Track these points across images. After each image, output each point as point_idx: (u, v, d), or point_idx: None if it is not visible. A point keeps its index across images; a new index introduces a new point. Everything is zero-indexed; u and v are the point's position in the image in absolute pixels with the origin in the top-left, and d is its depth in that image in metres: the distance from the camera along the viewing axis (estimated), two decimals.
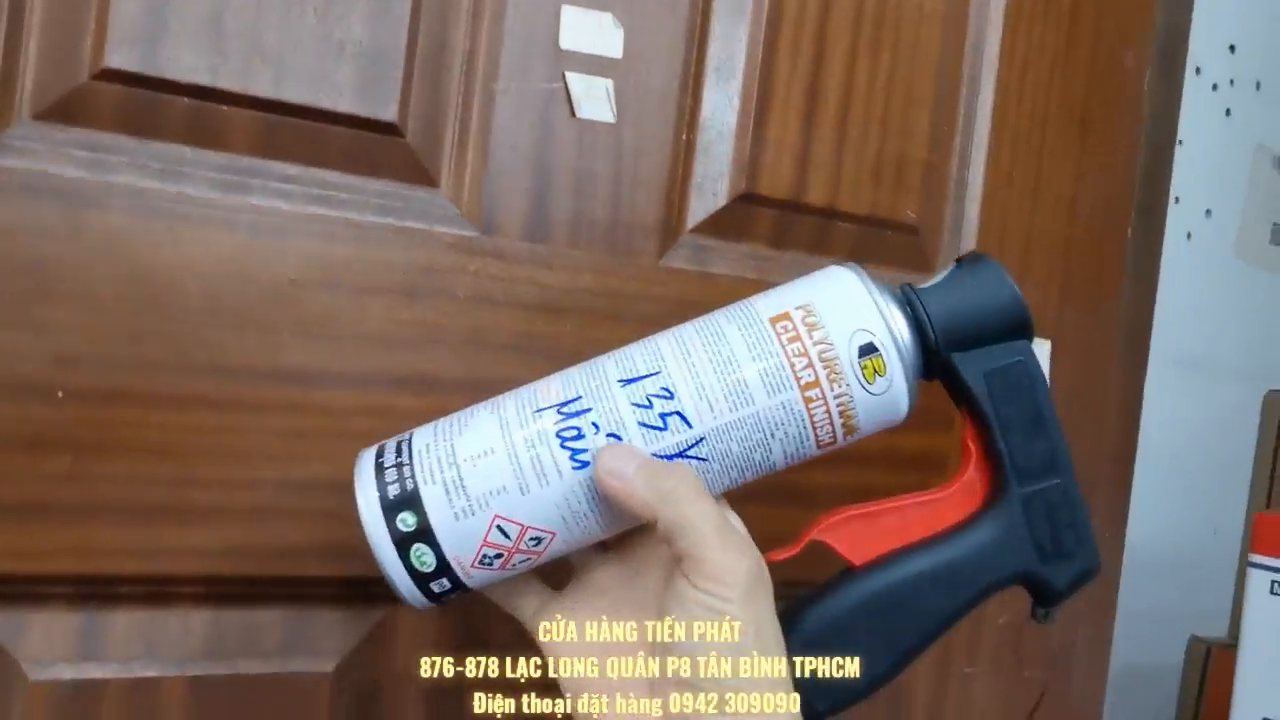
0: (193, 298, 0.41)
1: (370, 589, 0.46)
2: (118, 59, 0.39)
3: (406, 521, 0.36)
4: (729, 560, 0.34)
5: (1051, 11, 0.60)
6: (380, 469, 0.37)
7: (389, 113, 0.44)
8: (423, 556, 0.36)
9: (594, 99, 0.48)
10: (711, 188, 0.51)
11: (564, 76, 0.47)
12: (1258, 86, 1.08)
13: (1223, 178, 1.09)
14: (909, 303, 0.38)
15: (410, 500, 0.36)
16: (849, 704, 0.38)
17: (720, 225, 0.52)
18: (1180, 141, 1.03)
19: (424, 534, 0.36)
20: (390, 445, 0.38)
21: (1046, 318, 0.61)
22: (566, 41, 0.47)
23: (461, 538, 0.36)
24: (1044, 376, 0.38)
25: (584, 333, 0.48)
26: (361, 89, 0.43)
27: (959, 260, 0.39)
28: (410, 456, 0.37)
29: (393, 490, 0.36)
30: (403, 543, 0.36)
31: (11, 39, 0.38)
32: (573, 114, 0.48)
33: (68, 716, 0.41)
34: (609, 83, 0.48)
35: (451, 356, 0.46)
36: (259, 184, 0.42)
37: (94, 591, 0.42)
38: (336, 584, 0.45)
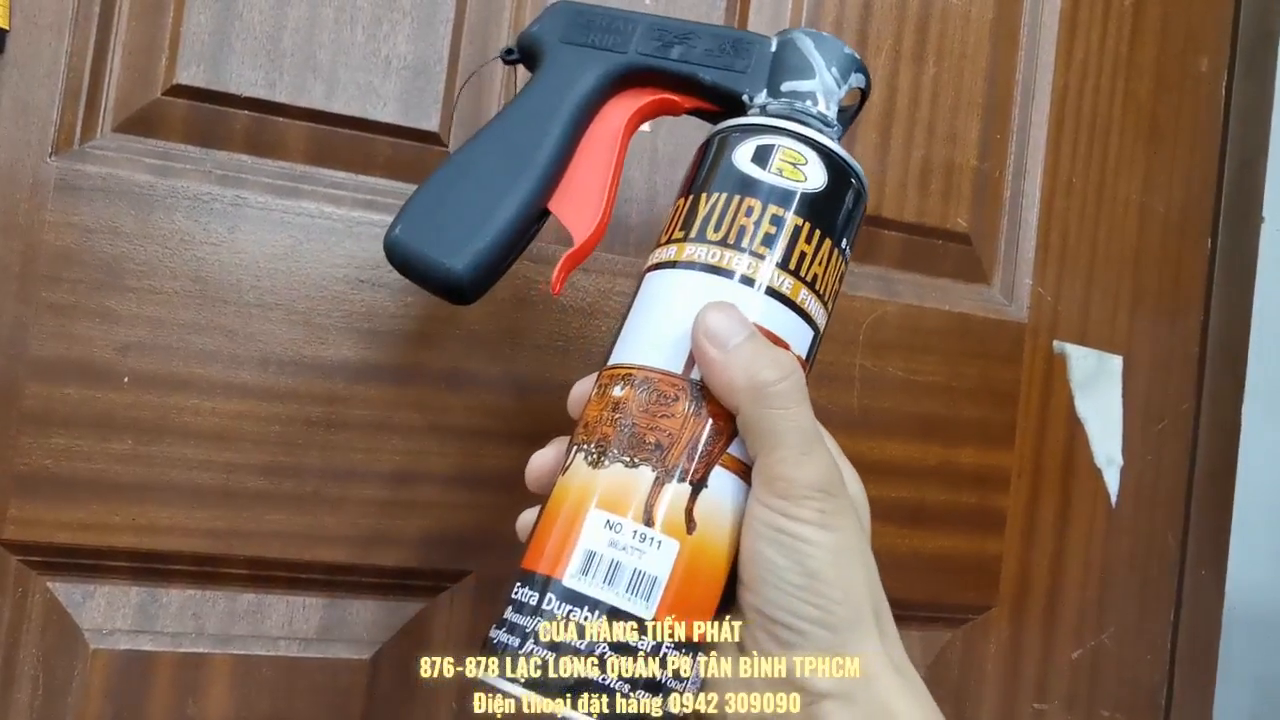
0: (247, 293, 0.44)
1: (407, 581, 0.48)
2: (187, 75, 0.44)
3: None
4: (808, 474, 0.29)
5: (1111, 15, 0.58)
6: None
7: (431, 123, 0.47)
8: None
9: None
10: None
11: None
12: None
13: None
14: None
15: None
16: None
17: None
18: None
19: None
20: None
21: (1115, 328, 0.58)
22: None
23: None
24: None
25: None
26: (405, 101, 0.46)
27: None
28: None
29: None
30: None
31: (98, 60, 0.43)
32: None
33: (122, 685, 0.44)
34: None
35: (489, 354, 0.47)
36: (310, 189, 0.46)
37: (151, 567, 0.44)
38: (374, 573, 0.47)
